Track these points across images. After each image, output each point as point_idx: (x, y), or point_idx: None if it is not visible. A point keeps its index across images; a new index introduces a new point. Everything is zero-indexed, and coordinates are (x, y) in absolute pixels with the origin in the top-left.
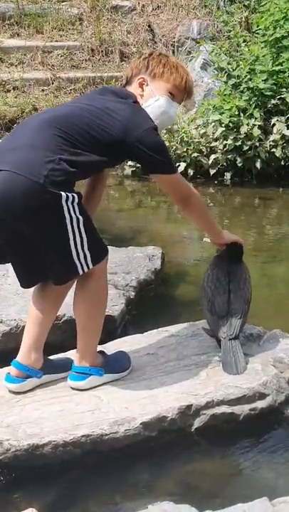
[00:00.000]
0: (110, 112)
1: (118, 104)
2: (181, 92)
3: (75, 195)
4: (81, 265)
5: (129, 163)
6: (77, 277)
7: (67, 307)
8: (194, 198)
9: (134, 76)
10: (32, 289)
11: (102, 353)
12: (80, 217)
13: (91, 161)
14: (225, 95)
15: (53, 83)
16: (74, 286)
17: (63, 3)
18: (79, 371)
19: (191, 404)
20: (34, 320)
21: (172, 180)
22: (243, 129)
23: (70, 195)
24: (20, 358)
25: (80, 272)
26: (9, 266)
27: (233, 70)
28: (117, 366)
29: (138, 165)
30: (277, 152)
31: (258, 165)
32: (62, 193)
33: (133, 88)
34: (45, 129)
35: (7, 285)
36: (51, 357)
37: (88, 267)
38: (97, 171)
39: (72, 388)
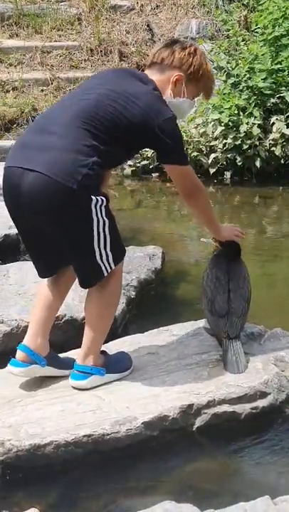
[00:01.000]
0: (130, 96)
1: (138, 88)
2: (199, 97)
3: (103, 198)
4: (105, 266)
5: (129, 162)
6: (102, 278)
7: (67, 307)
8: (201, 193)
9: (170, 66)
10: (34, 289)
11: (103, 353)
12: (106, 220)
13: (112, 152)
14: (224, 94)
15: (52, 83)
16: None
17: (62, 3)
18: (81, 370)
19: (193, 404)
20: (43, 304)
21: (184, 172)
22: (243, 128)
23: (99, 198)
24: (26, 341)
25: (105, 274)
26: (10, 266)
27: (233, 69)
28: (118, 366)
29: (138, 164)
30: (277, 151)
31: (258, 164)
32: (93, 197)
33: (161, 76)
34: (74, 125)
35: (8, 285)
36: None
37: (111, 268)
38: (116, 163)
39: (74, 387)
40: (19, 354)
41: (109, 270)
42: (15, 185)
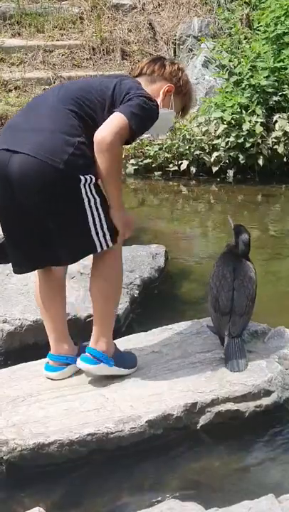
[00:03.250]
0: (112, 80)
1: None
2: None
3: (92, 176)
4: (100, 243)
5: (132, 161)
6: (93, 253)
7: (71, 306)
8: (115, 150)
9: (161, 77)
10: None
11: (114, 345)
12: (97, 197)
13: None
14: (226, 92)
15: (54, 82)
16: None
17: (64, 3)
18: (92, 354)
19: (196, 402)
20: (45, 317)
21: (121, 124)
22: (245, 126)
23: (87, 177)
24: (53, 351)
25: (99, 250)
26: None
27: (235, 67)
28: (125, 362)
29: (140, 163)
30: (280, 149)
31: (261, 162)
32: (81, 177)
33: (151, 85)
34: (61, 108)
35: (11, 285)
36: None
37: (108, 246)
38: None
39: (81, 369)
40: (52, 362)
41: (104, 247)
42: (2, 168)
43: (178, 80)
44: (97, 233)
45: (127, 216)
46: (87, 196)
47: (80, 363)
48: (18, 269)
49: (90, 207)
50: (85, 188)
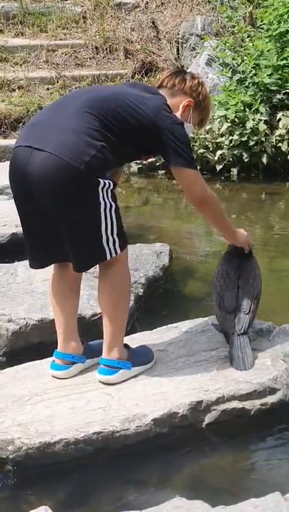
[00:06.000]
0: (144, 99)
1: (150, 95)
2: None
3: (110, 181)
4: (109, 250)
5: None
6: (103, 261)
7: None
8: (211, 201)
9: (181, 91)
10: (42, 287)
11: (126, 346)
12: (113, 204)
13: (123, 147)
14: (230, 91)
15: (57, 82)
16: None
17: (67, 2)
18: (108, 364)
19: (202, 400)
20: (57, 311)
21: (192, 176)
22: (249, 124)
23: (106, 181)
24: (61, 348)
25: (108, 257)
26: (17, 265)
27: (238, 66)
28: (142, 358)
29: (144, 162)
30: (284, 147)
31: (264, 160)
32: (100, 180)
33: (171, 99)
34: (87, 111)
35: (15, 284)
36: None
37: (116, 253)
38: (125, 160)
39: (102, 382)
40: (57, 360)
41: (113, 255)
42: (23, 165)
43: (197, 94)
44: (107, 240)
45: (240, 233)
46: (104, 200)
47: (100, 377)
48: (34, 264)
49: (105, 212)
50: (103, 192)
